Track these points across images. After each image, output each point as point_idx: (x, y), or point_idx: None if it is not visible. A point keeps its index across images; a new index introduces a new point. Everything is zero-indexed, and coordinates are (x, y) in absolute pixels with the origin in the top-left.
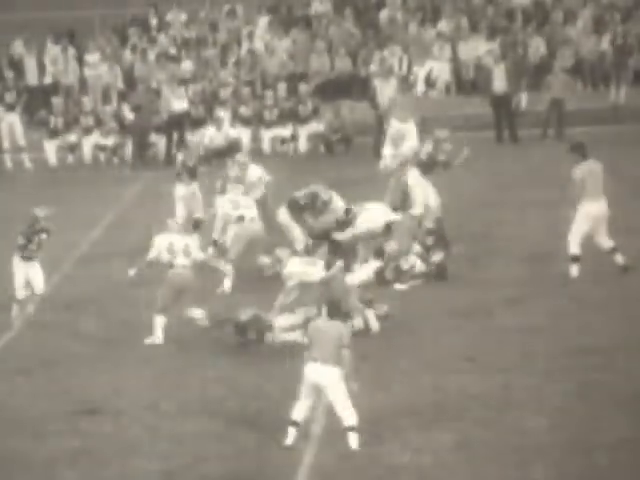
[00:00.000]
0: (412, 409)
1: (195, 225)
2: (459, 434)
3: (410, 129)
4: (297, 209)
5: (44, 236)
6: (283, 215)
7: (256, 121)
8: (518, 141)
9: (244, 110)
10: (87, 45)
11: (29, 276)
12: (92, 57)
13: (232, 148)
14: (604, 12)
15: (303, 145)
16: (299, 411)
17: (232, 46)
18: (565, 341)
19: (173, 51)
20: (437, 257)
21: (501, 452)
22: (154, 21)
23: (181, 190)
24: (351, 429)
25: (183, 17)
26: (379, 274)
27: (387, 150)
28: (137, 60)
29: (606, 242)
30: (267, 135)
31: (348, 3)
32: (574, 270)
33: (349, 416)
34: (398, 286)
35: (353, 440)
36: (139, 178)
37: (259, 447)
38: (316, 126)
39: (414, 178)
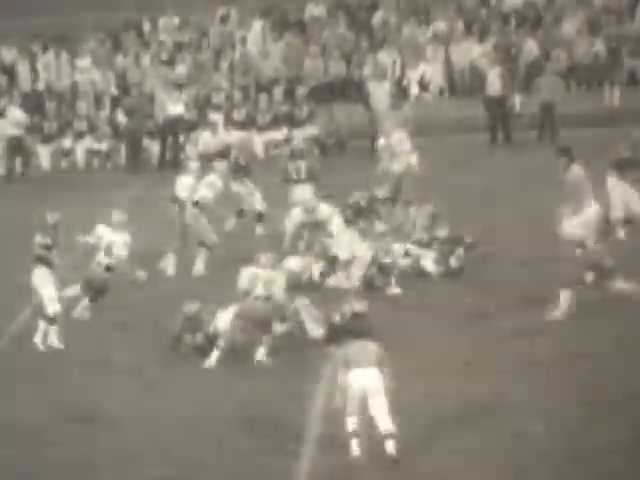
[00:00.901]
0: (406, 413)
1: (258, 218)
2: (456, 439)
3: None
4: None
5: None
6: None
7: (250, 125)
8: (512, 143)
9: (237, 114)
10: (79, 50)
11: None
12: (85, 62)
13: (226, 152)
14: (598, 14)
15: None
16: (357, 420)
17: (226, 50)
18: (562, 345)
19: (166, 55)
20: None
21: (499, 457)
22: (147, 25)
23: (237, 187)
24: (392, 435)
25: (176, 21)
26: (368, 282)
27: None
28: (130, 65)
29: None
30: (260, 139)
31: (342, 7)
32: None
33: (389, 422)
34: (392, 291)
35: (391, 447)
36: (133, 183)
37: (256, 453)
38: (311, 130)
39: None
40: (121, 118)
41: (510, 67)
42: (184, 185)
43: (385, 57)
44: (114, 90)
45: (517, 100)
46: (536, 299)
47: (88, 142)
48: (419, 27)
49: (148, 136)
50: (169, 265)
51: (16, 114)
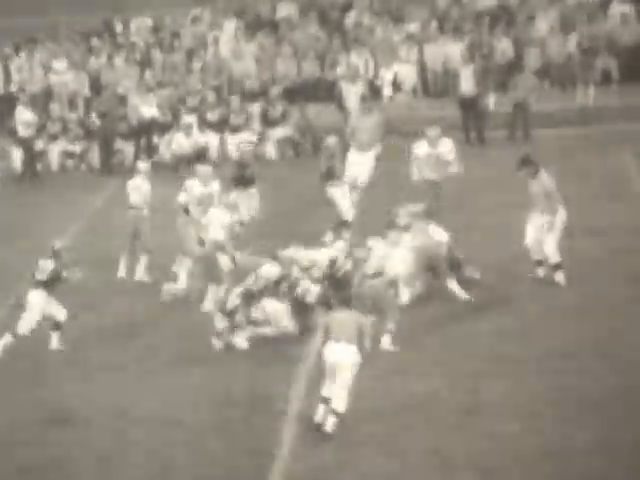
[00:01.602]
0: (382, 414)
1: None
2: (429, 439)
3: (368, 161)
4: None
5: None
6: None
7: (223, 126)
8: (485, 143)
9: (211, 115)
10: (53, 52)
11: (50, 310)
12: (59, 64)
13: (200, 154)
14: (571, 12)
15: (271, 149)
16: (328, 388)
17: (198, 51)
18: (534, 345)
19: (139, 57)
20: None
21: (472, 457)
22: (120, 27)
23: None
24: (336, 413)
25: (149, 23)
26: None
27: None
28: (103, 66)
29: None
30: (233, 140)
31: (314, 7)
32: (561, 277)
33: (341, 401)
34: None
35: (330, 424)
36: (106, 185)
37: (229, 454)
38: (285, 130)
39: None
40: (95, 119)
41: (484, 66)
42: (134, 187)
43: (358, 57)
44: (87, 92)
45: (492, 99)
46: (503, 300)
47: (62, 144)
48: (392, 27)
49: (121, 138)
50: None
51: (26, 115)
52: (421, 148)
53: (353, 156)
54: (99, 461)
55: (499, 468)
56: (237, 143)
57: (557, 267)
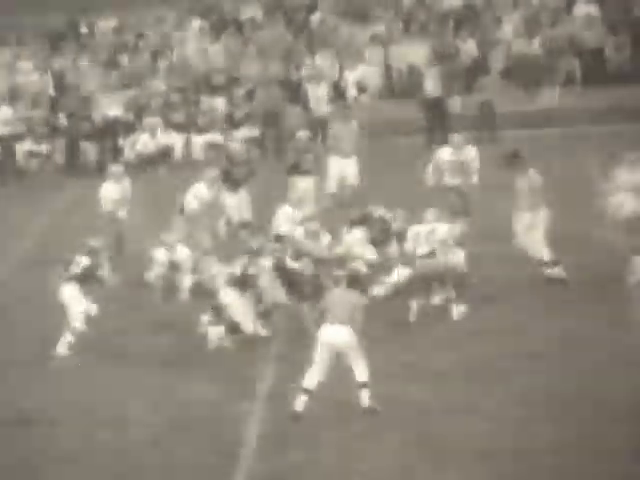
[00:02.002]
0: (349, 415)
1: (244, 226)
2: (396, 440)
3: (351, 167)
4: None
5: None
6: None
7: (189, 127)
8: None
9: (176, 116)
10: (18, 52)
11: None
12: (27, 64)
13: (164, 155)
14: (536, 14)
15: (236, 149)
16: (311, 377)
17: (163, 52)
18: (502, 345)
19: (105, 57)
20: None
21: (439, 457)
22: (85, 28)
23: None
24: (363, 385)
25: (113, 23)
26: None
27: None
28: (68, 67)
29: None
30: (199, 141)
31: (279, 7)
32: (560, 271)
33: (363, 372)
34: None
35: (364, 396)
36: (71, 185)
37: (194, 454)
38: (250, 131)
39: None
40: (62, 120)
41: (449, 68)
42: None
43: (323, 59)
44: (52, 92)
45: (457, 101)
46: (472, 300)
47: (27, 144)
48: (357, 28)
49: (86, 138)
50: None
51: (4, 112)
52: (445, 153)
53: (335, 163)
54: (66, 461)
55: (467, 468)
56: (202, 143)
57: (555, 263)
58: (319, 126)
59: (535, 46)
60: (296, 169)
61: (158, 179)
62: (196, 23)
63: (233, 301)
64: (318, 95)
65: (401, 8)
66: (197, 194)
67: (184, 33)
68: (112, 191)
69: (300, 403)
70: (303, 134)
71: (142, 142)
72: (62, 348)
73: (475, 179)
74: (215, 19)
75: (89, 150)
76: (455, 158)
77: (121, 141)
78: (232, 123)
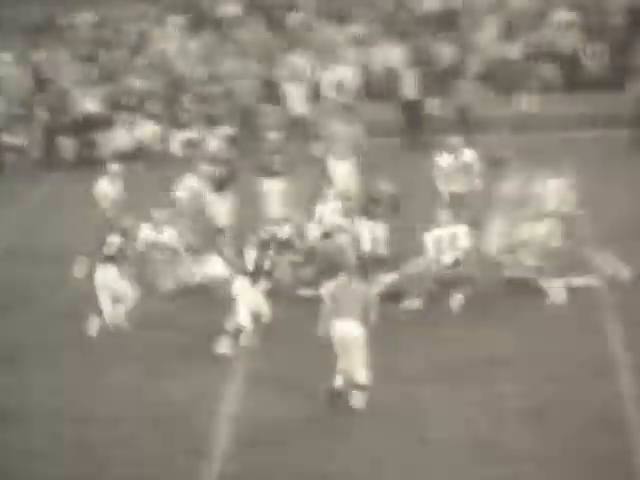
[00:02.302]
0: (317, 417)
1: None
2: (364, 442)
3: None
4: None
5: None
6: None
7: (167, 123)
8: (426, 148)
9: (154, 112)
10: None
11: (116, 286)
12: (7, 57)
13: (141, 150)
14: (514, 19)
15: (213, 147)
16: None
17: (142, 47)
18: (470, 352)
19: (83, 52)
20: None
21: (405, 462)
22: (64, 21)
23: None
24: (362, 388)
25: (93, 18)
26: None
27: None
28: (46, 61)
29: None
30: (177, 137)
31: (258, 6)
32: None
33: (363, 375)
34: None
35: (358, 399)
36: (48, 179)
37: (164, 453)
38: (226, 129)
39: None
40: (40, 114)
41: (427, 70)
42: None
43: (301, 58)
44: (30, 86)
45: (434, 104)
46: (440, 307)
47: (5, 137)
48: (336, 28)
49: (63, 133)
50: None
51: None
52: (443, 158)
53: (335, 166)
54: (34, 458)
55: (431, 474)
56: (180, 140)
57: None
58: (297, 126)
59: (514, 51)
60: (266, 170)
61: (136, 176)
62: (175, 20)
63: (248, 293)
64: (296, 94)
65: (380, 10)
66: (187, 186)
67: (163, 29)
68: (109, 189)
69: (358, 400)
70: (274, 135)
71: (119, 138)
72: (93, 330)
73: (478, 183)
74: (194, 16)
75: (66, 144)
76: (453, 162)
77: (98, 136)
78: (210, 121)
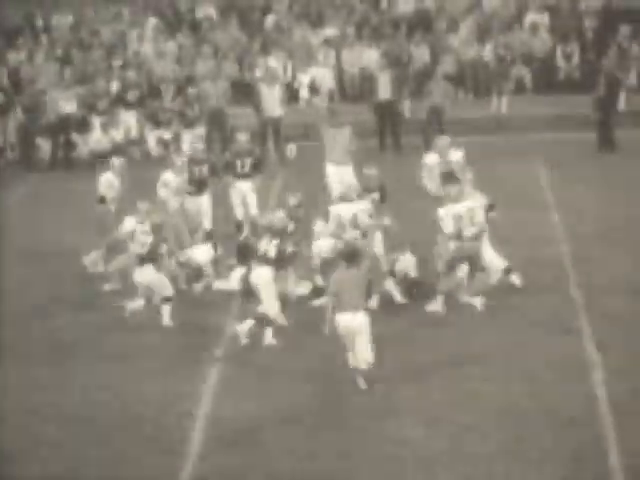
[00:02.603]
0: (294, 416)
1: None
2: (339, 442)
3: (348, 175)
4: None
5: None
6: None
7: (144, 123)
8: (401, 149)
9: (130, 112)
10: None
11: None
12: None
13: (118, 151)
14: (487, 21)
15: (191, 148)
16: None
17: (119, 49)
18: (444, 350)
19: (59, 53)
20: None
21: (380, 462)
22: (40, 23)
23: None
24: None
25: (69, 19)
26: None
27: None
28: (23, 62)
29: None
30: (152, 136)
31: (234, 8)
32: (516, 279)
33: (367, 359)
34: None
35: (362, 381)
36: (24, 181)
37: (139, 453)
38: (202, 130)
39: None
40: (19, 116)
41: (400, 72)
42: (106, 183)
43: (276, 60)
44: (7, 86)
45: (406, 105)
46: (410, 306)
47: None
48: (310, 30)
49: (40, 134)
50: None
51: None
52: (430, 158)
53: (334, 173)
54: (8, 458)
55: (403, 473)
56: (157, 139)
57: (508, 270)
58: (272, 128)
59: (486, 53)
60: (233, 171)
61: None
62: (152, 21)
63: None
64: (271, 96)
65: (354, 11)
66: (166, 182)
67: (139, 31)
68: (112, 183)
69: (360, 382)
70: (243, 136)
71: (95, 138)
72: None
73: (468, 188)
74: (170, 18)
75: (43, 146)
76: (440, 162)
77: (75, 137)
78: (186, 122)
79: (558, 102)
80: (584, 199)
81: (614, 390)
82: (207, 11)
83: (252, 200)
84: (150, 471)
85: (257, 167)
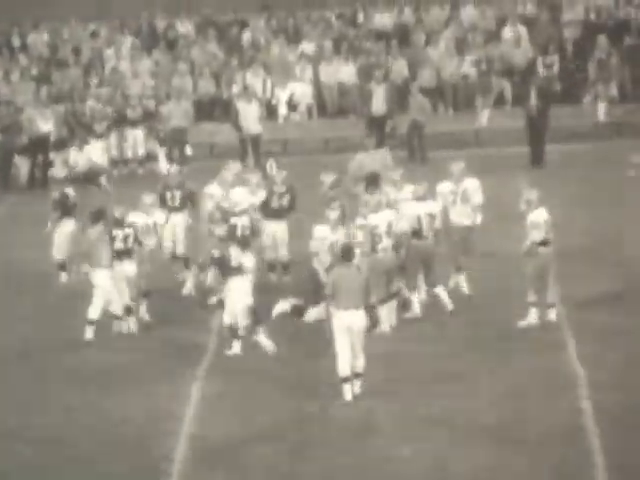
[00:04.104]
0: (277, 434)
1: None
2: (323, 460)
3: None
4: None
5: None
6: None
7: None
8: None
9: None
10: None
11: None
12: None
13: (95, 171)
14: (466, 34)
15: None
16: (344, 365)
17: (95, 66)
18: (429, 367)
19: (36, 71)
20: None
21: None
22: (17, 41)
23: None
24: (360, 375)
25: (45, 37)
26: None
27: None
28: (0, 81)
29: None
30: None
31: (211, 24)
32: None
33: (361, 364)
34: None
35: (357, 387)
36: (2, 199)
37: (122, 473)
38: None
39: None
40: None
41: (392, 86)
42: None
43: (254, 76)
44: None
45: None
46: (402, 320)
47: None
48: (288, 46)
49: (17, 153)
50: None
51: None
52: (444, 186)
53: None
54: None
55: None
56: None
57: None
58: (251, 144)
59: (466, 66)
60: (163, 203)
61: (92, 195)
62: (128, 39)
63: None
64: (249, 113)
65: (331, 27)
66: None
67: (116, 49)
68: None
69: (347, 392)
70: (173, 169)
71: (73, 158)
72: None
73: (478, 219)
74: (146, 35)
75: (21, 165)
76: (455, 189)
77: (52, 156)
78: (160, 141)
79: None
80: (568, 213)
81: (599, 404)
82: (184, 28)
83: (178, 234)
84: None
85: (291, 205)
